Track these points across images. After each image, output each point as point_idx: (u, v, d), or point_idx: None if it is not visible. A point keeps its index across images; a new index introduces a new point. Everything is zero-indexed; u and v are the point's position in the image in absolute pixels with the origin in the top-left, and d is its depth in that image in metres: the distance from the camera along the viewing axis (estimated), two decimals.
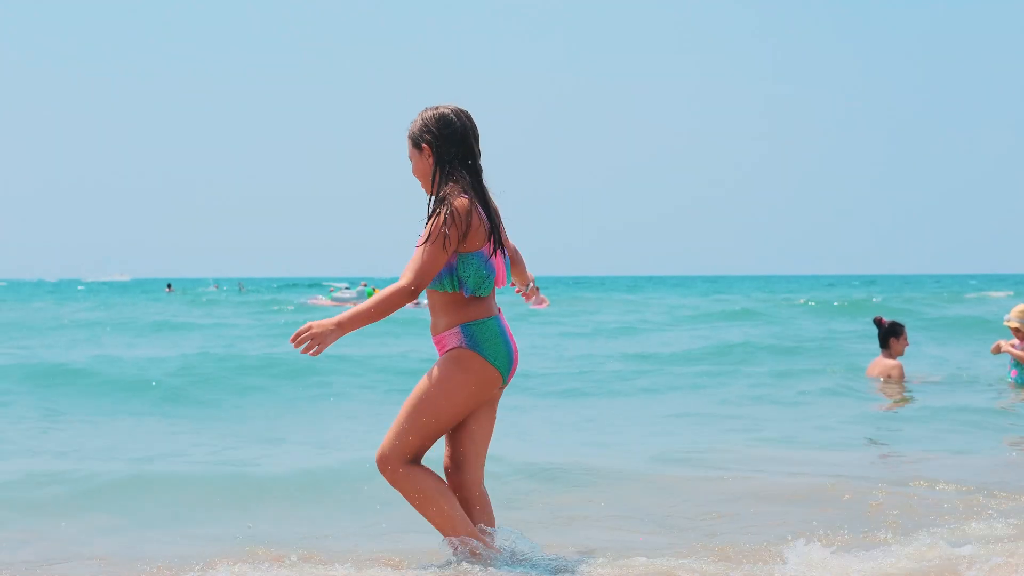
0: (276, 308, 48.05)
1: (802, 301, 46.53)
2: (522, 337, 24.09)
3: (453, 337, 5.10)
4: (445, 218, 4.99)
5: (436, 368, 5.10)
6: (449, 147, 5.11)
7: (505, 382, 5.17)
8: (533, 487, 7.68)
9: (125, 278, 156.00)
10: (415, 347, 21.42)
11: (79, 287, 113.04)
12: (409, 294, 5.02)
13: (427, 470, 5.12)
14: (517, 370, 5.24)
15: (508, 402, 13.07)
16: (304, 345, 4.93)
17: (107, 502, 7.14)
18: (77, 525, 6.59)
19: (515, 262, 5.53)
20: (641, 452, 9.27)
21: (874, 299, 49.47)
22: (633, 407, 13.06)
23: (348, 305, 41.17)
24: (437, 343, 5.20)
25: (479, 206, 5.10)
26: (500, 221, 5.22)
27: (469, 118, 5.18)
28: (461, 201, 5.03)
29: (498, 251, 5.13)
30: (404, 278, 5.01)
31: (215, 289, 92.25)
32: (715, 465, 8.52)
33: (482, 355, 5.07)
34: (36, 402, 13.11)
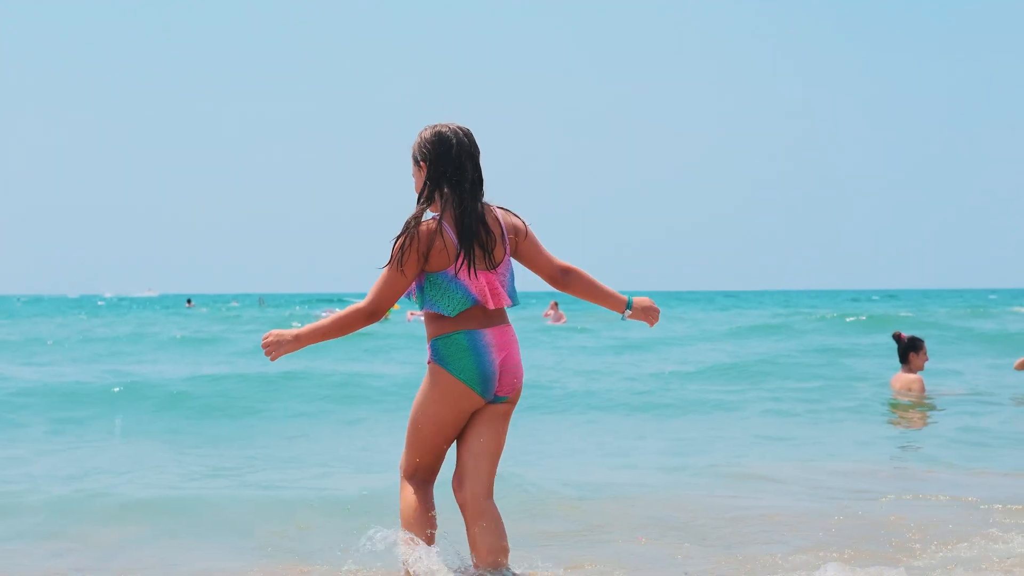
0: (296, 323, 48.24)
1: (830, 315, 46.33)
2: (570, 353, 24.04)
3: (428, 351, 5.20)
4: (403, 242, 5.07)
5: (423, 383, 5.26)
6: (440, 166, 5.15)
7: (488, 397, 5.17)
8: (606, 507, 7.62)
9: (154, 293, 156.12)
10: None
11: (99, 302, 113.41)
12: (366, 315, 5.16)
13: (419, 491, 5.24)
14: (523, 385, 5.22)
15: (577, 418, 13.22)
16: (266, 350, 5.12)
17: (149, 517, 7.24)
18: (116, 536, 6.66)
19: (564, 282, 5.36)
20: (662, 466, 9.32)
21: (901, 313, 49.29)
22: (655, 422, 13.08)
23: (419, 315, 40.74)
24: None
25: (449, 227, 5.11)
26: (497, 241, 5.17)
27: (467, 135, 5.21)
28: (426, 225, 5.10)
29: (476, 270, 5.09)
30: (365, 299, 5.16)
31: (235, 305, 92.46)
32: (741, 481, 8.55)
33: (446, 369, 5.11)
34: (56, 419, 13.21)
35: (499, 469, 5.28)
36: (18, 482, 8.68)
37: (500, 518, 5.20)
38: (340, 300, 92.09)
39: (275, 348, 5.10)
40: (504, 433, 5.24)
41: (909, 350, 13.79)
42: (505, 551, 5.15)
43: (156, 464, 9.70)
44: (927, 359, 13.97)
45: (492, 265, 5.15)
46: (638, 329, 38.11)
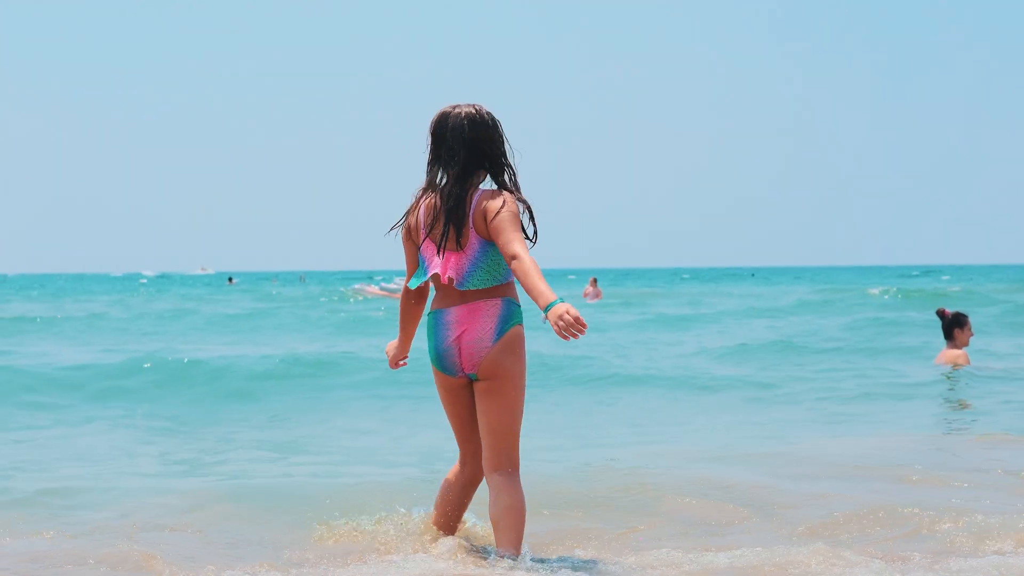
0: (336, 299, 48.39)
1: (876, 291, 45.97)
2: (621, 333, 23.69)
3: None
4: (402, 215, 5.38)
5: None
6: (436, 146, 5.29)
7: (452, 373, 5.25)
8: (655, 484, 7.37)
9: (209, 271, 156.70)
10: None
11: (141, 280, 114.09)
12: (408, 291, 5.46)
13: (449, 474, 5.52)
14: (478, 363, 5.16)
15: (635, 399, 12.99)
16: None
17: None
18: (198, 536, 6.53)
19: (511, 269, 5.12)
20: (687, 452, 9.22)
21: (952, 288, 48.85)
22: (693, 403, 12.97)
23: (395, 296, 40.84)
24: None
25: (425, 206, 5.28)
26: (464, 224, 5.18)
27: (470, 120, 5.23)
28: (418, 201, 5.34)
29: (437, 247, 5.20)
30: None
31: (275, 283, 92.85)
32: (782, 462, 8.41)
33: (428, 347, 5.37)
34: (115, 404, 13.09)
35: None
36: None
37: (512, 496, 5.15)
38: (369, 277, 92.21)
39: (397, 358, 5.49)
40: (492, 410, 5.20)
41: (954, 326, 13.63)
42: (508, 530, 5.13)
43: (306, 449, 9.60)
44: (972, 335, 13.80)
45: (459, 247, 5.19)
46: (678, 305, 37.97)
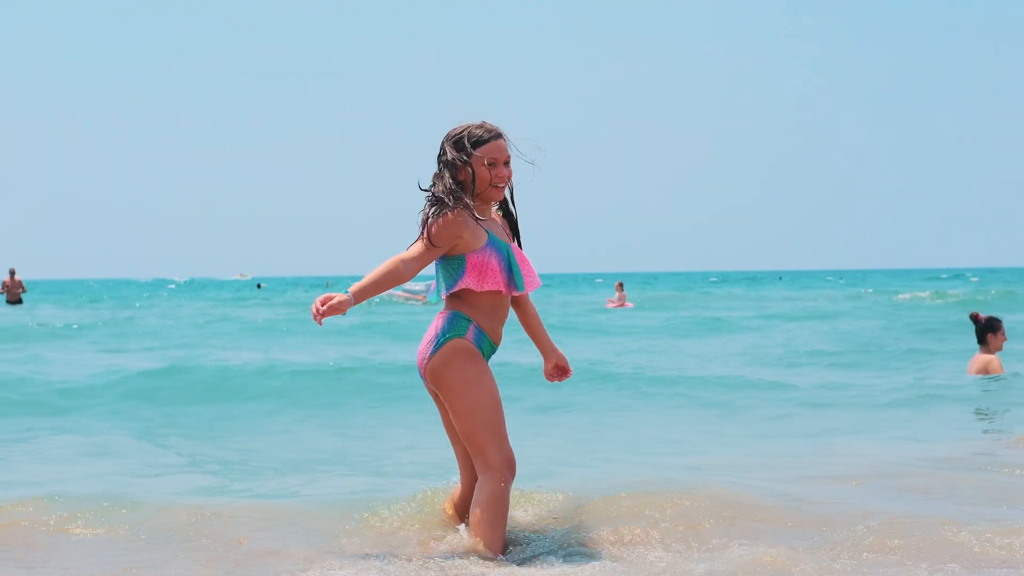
0: (376, 302, 48.35)
1: (907, 296, 45.68)
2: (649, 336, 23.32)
3: None
4: None
5: None
6: None
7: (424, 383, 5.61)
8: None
9: (248, 276, 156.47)
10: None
11: (170, 285, 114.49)
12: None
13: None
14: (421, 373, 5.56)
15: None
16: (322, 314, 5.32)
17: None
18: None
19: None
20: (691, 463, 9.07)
21: (993, 291, 48.46)
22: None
23: (418, 299, 40.60)
24: None
25: None
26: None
27: (444, 138, 5.55)
28: None
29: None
30: None
31: (329, 285, 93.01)
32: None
33: None
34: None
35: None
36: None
37: (479, 495, 5.39)
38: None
39: (332, 312, 5.26)
40: (452, 419, 5.49)
41: (987, 331, 13.45)
42: (475, 526, 5.42)
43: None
44: (1005, 339, 13.63)
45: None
46: (706, 309, 37.77)
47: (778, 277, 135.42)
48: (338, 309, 5.23)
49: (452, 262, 5.45)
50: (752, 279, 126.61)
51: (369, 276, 5.36)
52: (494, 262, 5.44)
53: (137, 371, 15.83)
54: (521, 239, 5.73)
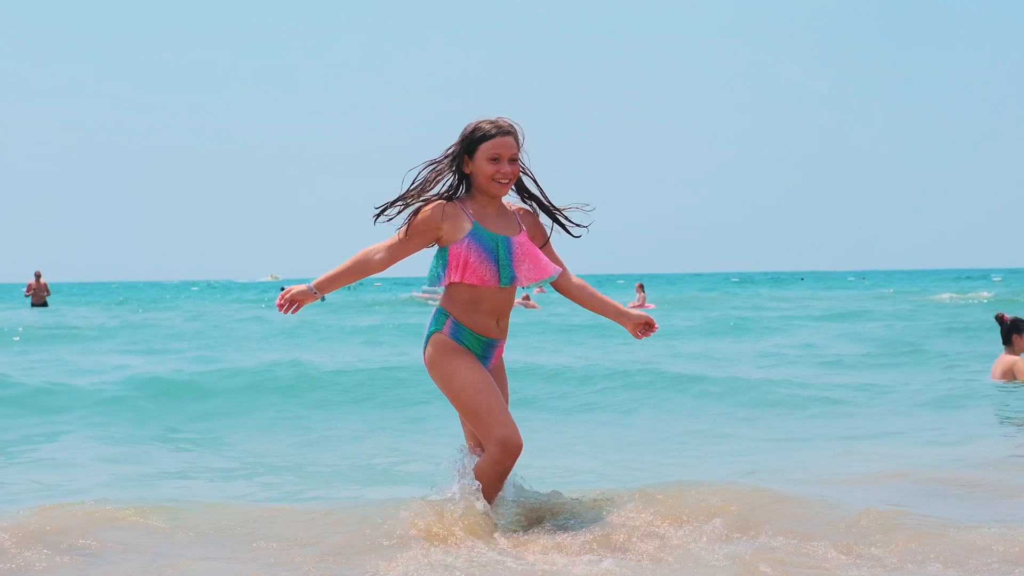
0: (400, 303, 48.39)
1: (947, 297, 45.27)
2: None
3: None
4: None
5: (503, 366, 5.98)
6: None
7: None
8: None
9: (280, 278, 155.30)
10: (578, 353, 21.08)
11: (193, 287, 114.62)
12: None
13: None
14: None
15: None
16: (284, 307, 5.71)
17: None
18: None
19: None
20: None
21: (1018, 298, 48.04)
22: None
23: (434, 300, 40.36)
24: (502, 346, 5.87)
25: None
26: None
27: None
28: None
29: None
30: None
31: (378, 285, 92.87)
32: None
33: None
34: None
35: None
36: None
37: (471, 470, 5.72)
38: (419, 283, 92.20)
39: (298, 303, 5.62)
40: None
41: (1012, 331, 13.43)
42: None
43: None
44: None
45: None
46: (737, 309, 37.57)
47: (799, 278, 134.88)
48: (298, 299, 5.59)
49: (440, 254, 5.68)
50: (773, 279, 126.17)
51: (337, 268, 5.62)
52: (473, 255, 5.55)
53: (163, 374, 15.67)
54: (549, 231, 5.95)
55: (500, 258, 5.59)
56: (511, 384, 6.12)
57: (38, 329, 29.39)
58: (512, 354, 17.07)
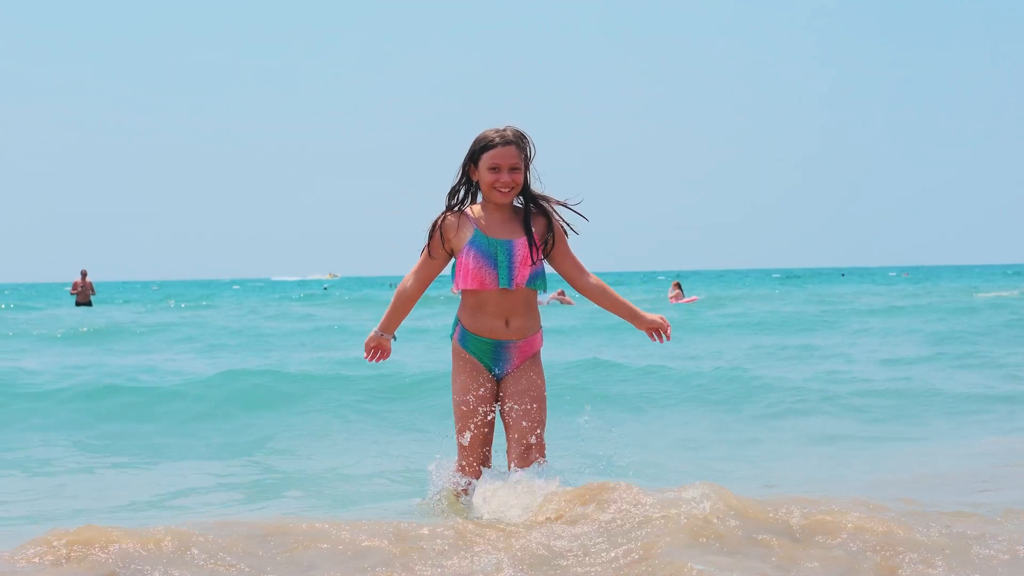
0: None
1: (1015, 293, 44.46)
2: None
3: (540, 337, 6.01)
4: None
5: (540, 366, 5.95)
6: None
7: None
8: None
9: (338, 276, 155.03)
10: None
11: (234, 286, 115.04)
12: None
13: None
14: None
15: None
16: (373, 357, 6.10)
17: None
18: None
19: None
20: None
21: None
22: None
23: (544, 303, 39.44)
24: (525, 345, 5.86)
25: None
26: None
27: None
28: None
29: None
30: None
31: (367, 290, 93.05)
32: None
33: None
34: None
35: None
36: None
37: None
38: None
39: (382, 349, 6.02)
40: None
41: None
42: None
43: None
44: None
45: None
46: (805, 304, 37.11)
47: (840, 273, 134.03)
48: (381, 347, 6.00)
49: (452, 264, 5.89)
50: (815, 275, 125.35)
51: (388, 307, 5.96)
52: (471, 261, 5.73)
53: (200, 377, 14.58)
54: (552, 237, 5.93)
55: (499, 261, 5.73)
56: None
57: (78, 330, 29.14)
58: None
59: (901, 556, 4.89)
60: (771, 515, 5.15)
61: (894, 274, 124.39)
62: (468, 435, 5.85)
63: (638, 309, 5.95)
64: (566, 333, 24.29)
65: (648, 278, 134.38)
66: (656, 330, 5.93)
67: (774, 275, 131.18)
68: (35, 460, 9.16)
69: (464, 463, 5.90)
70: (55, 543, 4.82)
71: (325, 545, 4.97)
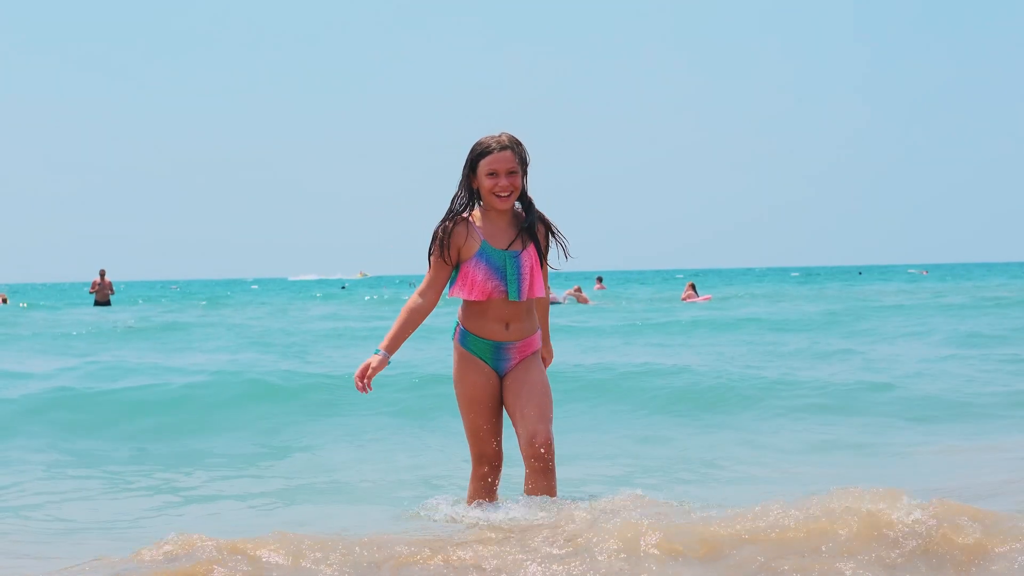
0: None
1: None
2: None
3: (539, 337, 6.05)
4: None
5: (539, 362, 6.01)
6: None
7: None
8: None
9: (369, 275, 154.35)
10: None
11: (253, 286, 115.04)
12: None
13: None
14: None
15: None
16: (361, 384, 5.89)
17: None
18: None
19: None
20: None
21: None
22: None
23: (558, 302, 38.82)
24: (523, 345, 5.92)
25: None
26: None
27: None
28: None
29: None
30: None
31: (384, 289, 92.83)
32: None
33: None
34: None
35: None
36: None
37: None
38: None
39: (371, 374, 5.75)
40: None
41: None
42: None
43: None
44: None
45: None
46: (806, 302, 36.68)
47: (857, 271, 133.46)
48: (378, 370, 5.74)
49: (456, 269, 5.90)
50: (832, 274, 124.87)
51: (394, 325, 5.85)
52: (479, 274, 5.79)
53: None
54: (543, 246, 6.02)
55: (508, 274, 5.82)
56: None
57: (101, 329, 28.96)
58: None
59: None
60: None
61: (913, 271, 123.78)
62: (478, 425, 5.95)
63: (548, 340, 6.21)
64: (607, 333, 23.75)
65: (667, 276, 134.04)
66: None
67: (793, 273, 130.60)
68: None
69: (481, 446, 5.99)
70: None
71: None
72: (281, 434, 10.60)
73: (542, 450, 5.75)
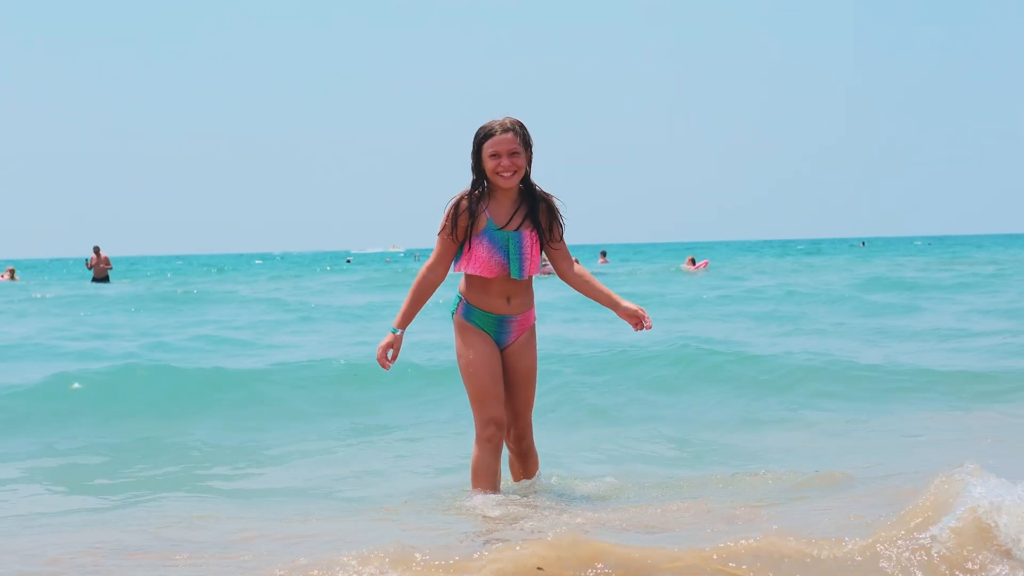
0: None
1: None
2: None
3: (534, 311, 6.29)
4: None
5: (535, 342, 6.27)
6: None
7: None
8: None
9: (399, 249, 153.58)
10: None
11: (256, 261, 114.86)
12: None
13: None
14: None
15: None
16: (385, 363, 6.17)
17: None
18: None
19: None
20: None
21: None
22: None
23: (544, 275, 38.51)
24: (523, 319, 6.18)
25: None
26: None
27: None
28: None
29: None
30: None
31: (388, 261, 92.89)
32: None
33: None
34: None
35: None
36: None
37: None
38: None
39: (393, 350, 6.05)
40: None
41: None
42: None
43: None
44: None
45: None
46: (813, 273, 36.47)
47: (860, 243, 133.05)
48: (395, 348, 6.05)
49: (462, 245, 6.11)
50: (836, 245, 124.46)
51: (405, 301, 6.12)
52: (483, 251, 6.03)
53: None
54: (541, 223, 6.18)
55: (511, 253, 6.05)
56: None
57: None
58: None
59: None
60: None
61: (919, 243, 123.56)
62: (485, 388, 6.10)
63: (618, 297, 6.19)
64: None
65: (669, 248, 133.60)
66: (636, 319, 6.13)
67: (798, 246, 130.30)
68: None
69: (486, 411, 6.10)
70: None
71: None
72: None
73: (521, 442, 6.36)
